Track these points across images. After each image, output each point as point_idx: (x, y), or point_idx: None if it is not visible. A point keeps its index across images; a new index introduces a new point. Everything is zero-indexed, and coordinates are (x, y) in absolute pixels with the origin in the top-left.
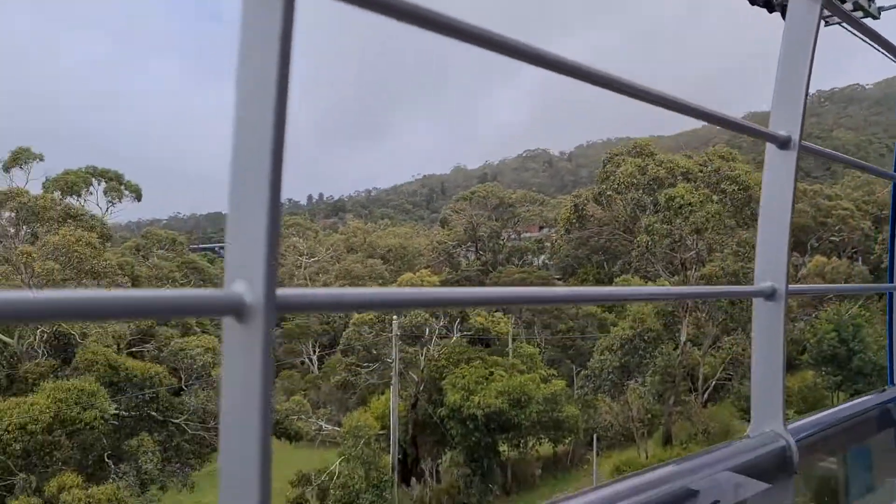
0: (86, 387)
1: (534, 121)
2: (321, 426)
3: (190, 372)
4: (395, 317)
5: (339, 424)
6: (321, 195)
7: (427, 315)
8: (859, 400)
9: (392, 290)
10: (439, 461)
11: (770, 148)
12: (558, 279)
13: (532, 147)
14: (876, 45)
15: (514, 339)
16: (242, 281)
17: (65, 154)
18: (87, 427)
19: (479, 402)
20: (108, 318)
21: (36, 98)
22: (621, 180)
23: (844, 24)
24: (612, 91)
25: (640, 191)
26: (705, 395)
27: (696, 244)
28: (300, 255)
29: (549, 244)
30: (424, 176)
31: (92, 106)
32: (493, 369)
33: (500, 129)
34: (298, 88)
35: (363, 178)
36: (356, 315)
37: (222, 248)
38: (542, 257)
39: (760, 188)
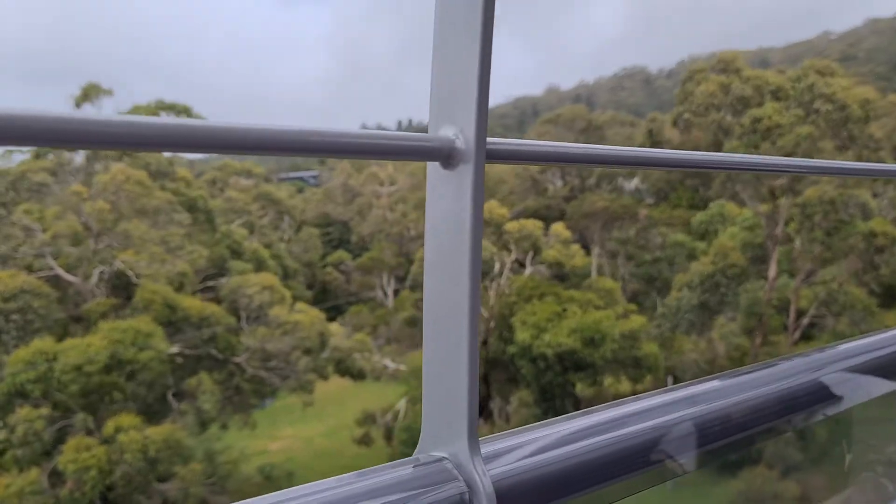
0: (142, 327)
1: (632, 34)
2: (385, 365)
3: (248, 311)
4: None
5: (406, 362)
6: (410, 120)
7: (495, 249)
8: None
9: (599, 147)
10: (510, 401)
11: None
12: (651, 204)
13: (629, 64)
14: None
15: (595, 272)
16: (451, 126)
17: (146, 83)
18: (144, 367)
19: (549, 341)
20: (308, 153)
21: (113, 25)
22: (700, 101)
23: None
24: None
25: (723, 112)
26: (797, 335)
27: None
28: (380, 185)
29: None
30: (516, 98)
31: (172, 33)
32: (566, 305)
33: (595, 44)
34: (381, 7)
35: None
36: (420, 250)
37: (314, 177)
38: (635, 181)
39: (860, 106)
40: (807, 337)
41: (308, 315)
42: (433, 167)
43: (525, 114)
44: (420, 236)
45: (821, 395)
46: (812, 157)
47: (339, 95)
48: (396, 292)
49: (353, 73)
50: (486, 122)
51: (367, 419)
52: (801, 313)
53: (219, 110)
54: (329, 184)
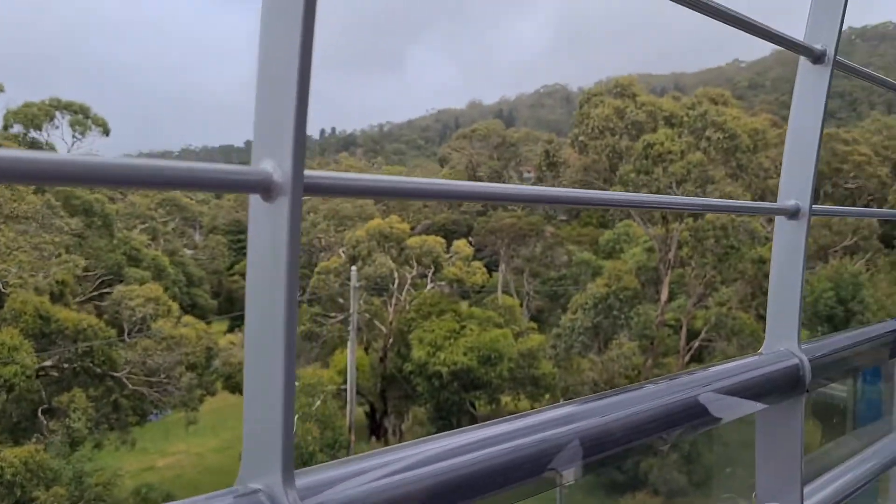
0: (6, 339)
1: (556, 52)
2: None
3: (131, 323)
4: (353, 267)
5: (299, 378)
6: (333, 129)
7: (395, 265)
8: (878, 325)
9: (416, 180)
10: (405, 418)
11: (803, 63)
12: (563, 221)
13: (550, 82)
14: None
15: (501, 289)
16: (270, 159)
17: (64, 83)
18: (7, 383)
19: (444, 359)
20: (126, 186)
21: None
22: (596, 124)
23: None
24: None
25: (618, 136)
26: (687, 357)
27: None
28: None
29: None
30: (439, 110)
31: (102, 33)
32: (466, 322)
33: (518, 62)
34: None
35: (377, 112)
36: (321, 263)
37: None
38: None
39: (749, 136)
40: (697, 359)
41: (195, 329)
42: (255, 199)
43: (447, 127)
44: (329, 247)
45: (694, 412)
46: (704, 184)
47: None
48: (300, 304)
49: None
50: (303, 156)
51: None
52: (695, 335)
53: (140, 111)
54: None
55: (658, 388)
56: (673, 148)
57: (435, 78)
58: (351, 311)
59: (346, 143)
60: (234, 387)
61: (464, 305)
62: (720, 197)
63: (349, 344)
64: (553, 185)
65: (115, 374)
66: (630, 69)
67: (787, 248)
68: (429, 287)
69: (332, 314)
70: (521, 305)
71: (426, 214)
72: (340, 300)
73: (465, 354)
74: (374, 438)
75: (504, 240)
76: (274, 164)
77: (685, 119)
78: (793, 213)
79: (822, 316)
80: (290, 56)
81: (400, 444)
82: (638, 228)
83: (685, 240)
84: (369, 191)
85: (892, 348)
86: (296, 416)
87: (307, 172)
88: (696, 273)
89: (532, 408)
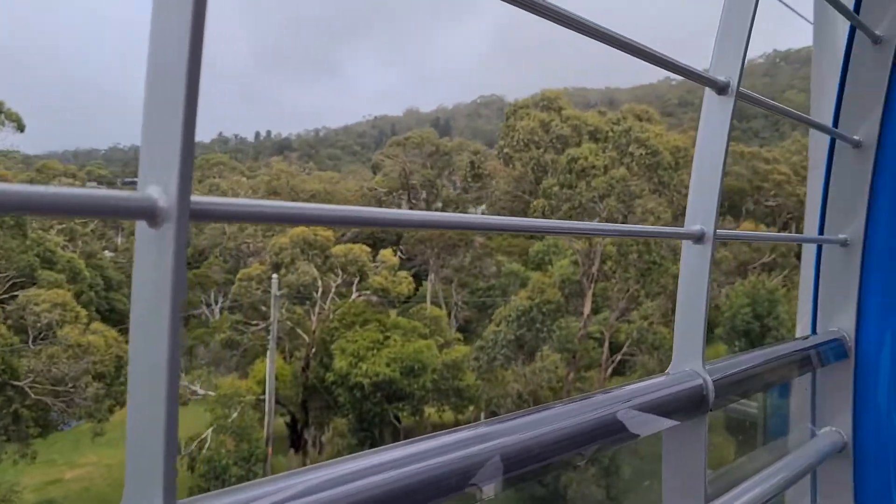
0: None
1: (492, 63)
2: (194, 390)
3: (35, 330)
4: (275, 275)
5: (217, 387)
6: (269, 132)
7: (318, 273)
8: (781, 345)
9: (312, 206)
10: (325, 430)
11: (708, 93)
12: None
13: (487, 92)
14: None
15: (428, 299)
16: (156, 185)
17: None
18: None
19: (366, 370)
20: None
21: None
22: (522, 136)
23: None
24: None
25: (543, 149)
26: (609, 371)
27: (601, 212)
28: (221, 196)
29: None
30: (376, 117)
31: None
32: (390, 333)
33: (456, 71)
34: (238, 7)
35: (313, 116)
36: (242, 270)
37: None
38: (481, 208)
39: (671, 153)
40: (619, 372)
41: (104, 336)
42: (141, 225)
43: (384, 133)
44: (257, 252)
45: (607, 430)
46: (627, 199)
47: (200, 99)
48: (223, 310)
49: (211, 78)
50: (190, 180)
51: None
52: (619, 348)
53: (68, 105)
54: None
55: (573, 406)
56: (596, 162)
57: (372, 84)
58: (272, 319)
59: (281, 147)
60: None
61: (394, 315)
62: (643, 212)
63: (269, 354)
64: (479, 196)
65: (17, 384)
66: (566, 82)
67: (692, 271)
68: (354, 296)
69: (255, 322)
70: (450, 316)
71: None
72: (263, 308)
73: (387, 365)
74: (292, 451)
75: (433, 249)
76: (160, 190)
77: (610, 134)
78: (698, 238)
79: (740, 331)
80: (176, 78)
81: (313, 466)
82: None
83: (609, 253)
84: (259, 217)
85: (797, 367)
86: (210, 429)
87: (195, 198)
88: (620, 287)
89: (456, 419)
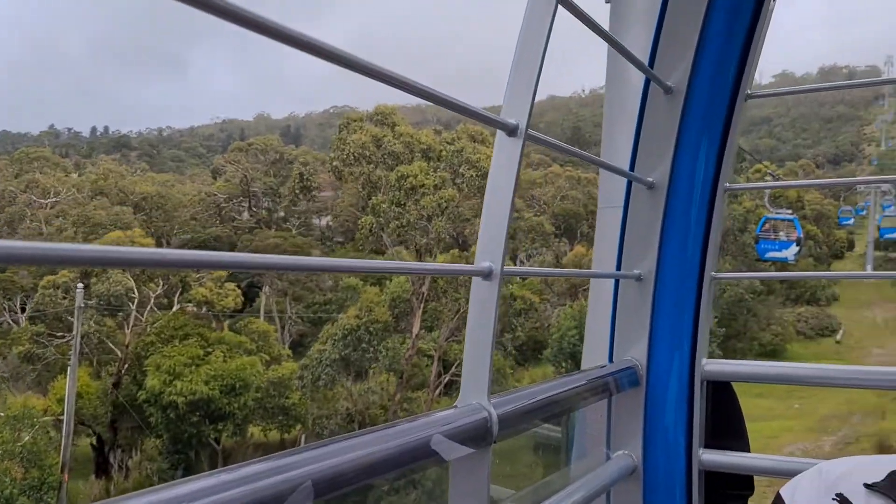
0: None
1: (346, 74)
2: None
3: None
4: (80, 284)
5: (8, 408)
6: (107, 128)
7: (134, 283)
8: (577, 374)
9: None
10: (134, 452)
11: (499, 135)
12: (339, 243)
13: (340, 103)
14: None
15: (261, 312)
16: None
17: None
18: None
19: (181, 389)
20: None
21: None
22: (353, 150)
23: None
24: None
25: (374, 164)
26: (437, 391)
27: (430, 232)
28: (42, 195)
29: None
30: (225, 120)
31: None
32: (212, 348)
33: (310, 79)
34: None
35: (157, 114)
36: (47, 277)
37: None
38: (327, 219)
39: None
40: (447, 392)
41: None
42: None
43: (232, 137)
44: None
45: (422, 453)
46: (457, 220)
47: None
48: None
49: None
50: None
51: None
52: (449, 367)
53: None
54: None
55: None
56: (426, 181)
57: (221, 86)
58: (74, 331)
59: (119, 145)
60: None
61: (226, 328)
62: (472, 233)
63: (69, 370)
64: (307, 208)
65: None
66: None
67: (481, 306)
68: (175, 308)
69: (59, 334)
70: (283, 330)
71: (193, 228)
72: (70, 318)
73: (206, 383)
74: (94, 476)
75: None
76: None
77: (443, 154)
78: (487, 275)
79: (567, 353)
80: None
81: (105, 501)
82: (408, 255)
83: None
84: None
85: (594, 394)
86: None
87: None
88: (451, 307)
89: (282, 439)
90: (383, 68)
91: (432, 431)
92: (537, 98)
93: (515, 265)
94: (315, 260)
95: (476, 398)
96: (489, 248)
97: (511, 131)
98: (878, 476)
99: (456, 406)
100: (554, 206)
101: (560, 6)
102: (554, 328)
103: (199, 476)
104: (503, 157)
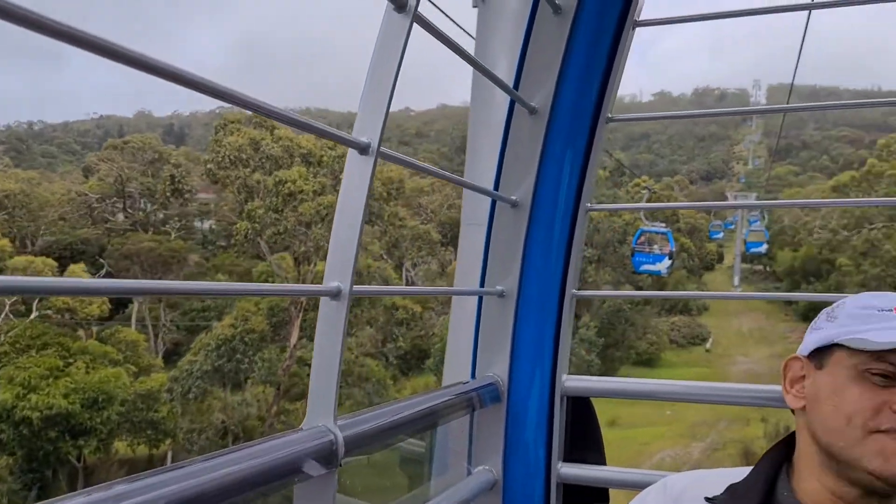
0: None
1: (236, 74)
2: None
3: None
4: None
5: None
6: (8, 125)
7: None
8: (432, 393)
9: None
10: None
11: (351, 153)
12: (223, 247)
13: (228, 106)
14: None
15: (133, 320)
16: None
17: None
18: None
19: (37, 403)
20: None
21: None
22: (228, 153)
23: None
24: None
25: (251, 168)
26: None
27: (307, 240)
28: None
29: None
30: (102, 116)
31: None
32: (73, 359)
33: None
34: None
35: (27, 107)
36: None
37: None
38: (209, 222)
39: (384, 184)
40: None
41: None
42: None
43: (110, 134)
44: None
45: (262, 478)
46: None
47: None
48: None
49: None
50: None
51: None
52: None
53: None
54: None
55: (254, 450)
56: (306, 187)
57: (99, 80)
58: None
59: None
60: None
61: (94, 337)
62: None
63: None
64: (180, 212)
65: None
66: (312, 101)
67: (329, 327)
68: (33, 315)
69: None
70: (156, 339)
71: (61, 228)
72: None
73: (66, 397)
74: None
75: (141, 266)
76: None
77: (324, 159)
78: (335, 294)
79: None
80: None
81: None
82: (291, 263)
83: None
84: None
85: (455, 410)
86: None
87: None
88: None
89: (150, 454)
90: (228, 88)
91: (276, 455)
92: (427, 107)
93: (401, 273)
94: (138, 283)
95: (322, 420)
96: (338, 267)
97: (363, 150)
98: (718, 489)
99: (301, 428)
100: (441, 215)
101: (416, 25)
102: (437, 337)
103: (50, 501)
104: (355, 176)
